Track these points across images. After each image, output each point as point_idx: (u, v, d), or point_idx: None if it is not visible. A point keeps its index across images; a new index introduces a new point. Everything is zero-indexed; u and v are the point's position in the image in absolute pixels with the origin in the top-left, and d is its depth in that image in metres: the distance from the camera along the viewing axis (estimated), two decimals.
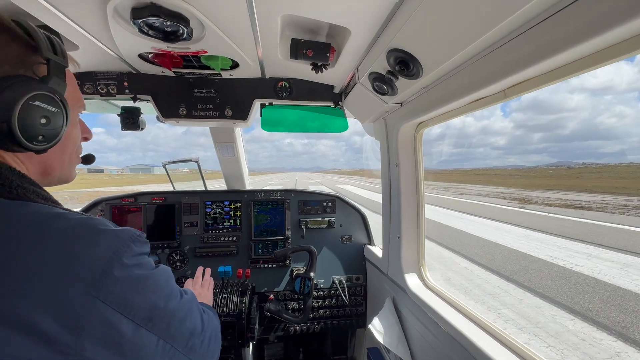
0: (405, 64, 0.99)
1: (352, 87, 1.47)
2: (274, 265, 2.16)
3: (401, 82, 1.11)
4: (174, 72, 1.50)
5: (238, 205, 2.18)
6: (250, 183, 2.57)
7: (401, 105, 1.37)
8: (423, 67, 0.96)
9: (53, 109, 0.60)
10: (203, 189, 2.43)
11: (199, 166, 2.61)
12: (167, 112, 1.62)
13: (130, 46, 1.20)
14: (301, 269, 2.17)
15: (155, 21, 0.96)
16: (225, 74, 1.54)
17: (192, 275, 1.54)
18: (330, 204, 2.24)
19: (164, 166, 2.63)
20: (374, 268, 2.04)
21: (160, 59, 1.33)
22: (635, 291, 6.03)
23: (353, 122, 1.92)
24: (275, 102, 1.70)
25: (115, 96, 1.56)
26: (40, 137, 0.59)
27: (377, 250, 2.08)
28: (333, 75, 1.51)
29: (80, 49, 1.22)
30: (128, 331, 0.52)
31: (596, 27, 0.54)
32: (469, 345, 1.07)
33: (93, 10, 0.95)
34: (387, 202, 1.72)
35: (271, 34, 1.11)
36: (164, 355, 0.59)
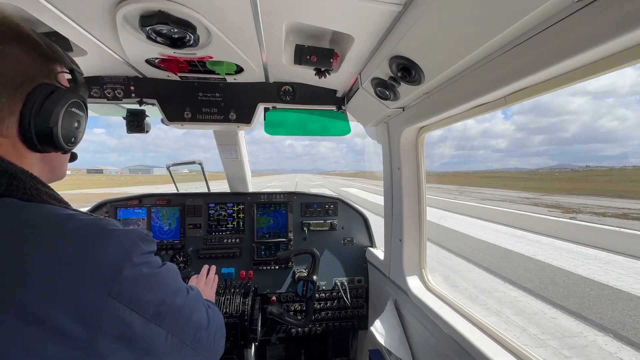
0: (407, 70, 1.00)
1: (355, 92, 1.48)
2: (277, 267, 2.18)
3: (403, 88, 1.13)
4: (179, 76, 1.52)
5: (241, 207, 2.20)
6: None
7: (403, 110, 1.38)
8: (425, 74, 0.97)
9: (82, 114, 0.69)
10: (206, 190, 2.44)
11: (202, 168, 2.63)
12: (173, 115, 1.64)
13: (138, 52, 1.22)
14: (303, 271, 2.18)
15: (163, 28, 0.98)
16: (230, 79, 1.56)
17: None
18: (332, 206, 2.26)
19: (168, 168, 2.65)
20: (376, 270, 2.05)
21: (166, 64, 1.35)
22: None
23: (354, 124, 1.94)
24: (279, 105, 1.72)
25: (121, 100, 1.59)
26: (73, 139, 0.67)
27: (378, 252, 2.09)
28: (336, 80, 1.53)
29: (89, 54, 1.25)
30: (138, 326, 0.54)
31: (596, 36, 0.55)
32: (470, 348, 1.08)
33: (103, 17, 0.97)
34: (389, 205, 1.73)
35: (276, 40, 1.13)
36: (172, 348, 0.61)
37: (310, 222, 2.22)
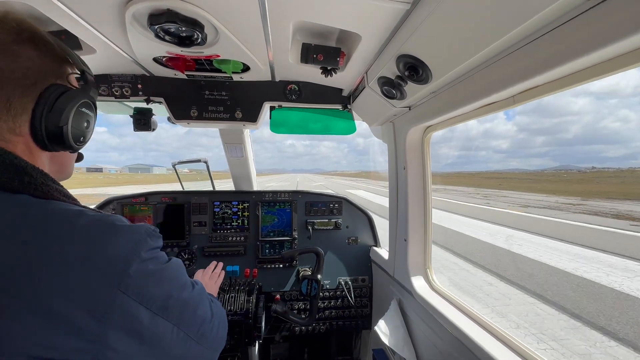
0: (414, 69, 1.00)
1: (361, 91, 1.49)
2: (281, 266, 2.19)
3: (410, 87, 1.13)
4: (186, 74, 1.53)
5: (246, 205, 2.21)
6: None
7: (409, 109, 1.38)
8: (432, 73, 0.97)
9: (91, 114, 0.70)
10: (211, 189, 2.46)
11: (207, 167, 2.64)
12: (179, 113, 1.66)
13: (146, 50, 1.23)
14: (308, 270, 2.19)
15: (171, 27, 0.99)
16: (236, 77, 1.57)
17: None
18: (337, 205, 2.26)
19: (174, 166, 2.66)
20: (380, 270, 2.05)
21: (173, 62, 1.36)
22: None
23: (358, 124, 1.93)
24: (285, 104, 1.73)
25: (129, 98, 1.60)
26: (82, 139, 0.69)
27: (383, 252, 2.09)
28: (342, 79, 1.53)
29: (98, 53, 1.26)
30: (146, 319, 0.56)
31: (607, 35, 0.55)
32: (475, 349, 1.08)
33: (112, 16, 0.98)
34: (394, 205, 1.73)
35: (282, 38, 1.14)
36: (178, 341, 0.63)
37: (315, 221, 2.23)
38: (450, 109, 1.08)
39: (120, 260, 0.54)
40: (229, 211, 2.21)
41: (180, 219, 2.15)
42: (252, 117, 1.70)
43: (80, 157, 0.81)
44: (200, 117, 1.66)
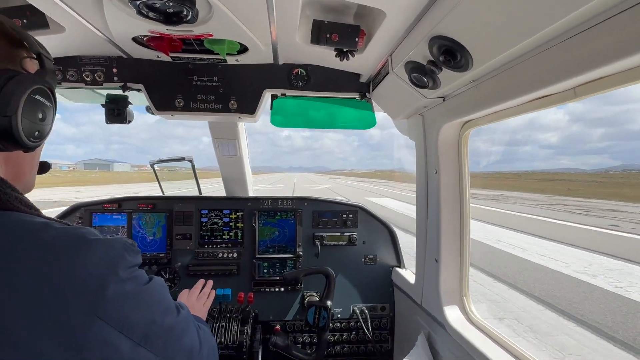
0: (451, 53, 1.01)
1: (384, 77, 1.50)
2: (282, 290, 2.21)
3: (445, 74, 1.13)
4: (171, 57, 1.57)
5: (240, 214, 2.24)
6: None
7: (444, 100, 1.39)
8: (474, 58, 0.97)
9: (48, 104, 0.70)
10: (197, 194, 2.50)
11: (192, 166, 2.69)
12: (162, 103, 1.69)
13: (125, 28, 1.27)
14: (315, 295, 2.21)
15: (157, 2, 1.02)
16: (231, 60, 1.60)
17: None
18: (351, 215, 2.28)
19: (152, 166, 2.72)
20: (404, 296, 2.06)
21: (156, 42, 1.39)
22: None
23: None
24: (289, 92, 1.75)
25: (102, 84, 1.65)
26: (37, 133, 0.68)
27: (408, 274, 2.09)
28: (360, 63, 1.54)
29: (67, 31, 1.30)
30: (126, 350, 0.59)
31: None
32: None
33: None
34: (422, 217, 1.74)
35: (289, 15, 1.16)
36: None
37: (324, 234, 2.24)
38: (495, 101, 1.09)
39: (95, 281, 0.57)
40: (220, 221, 2.23)
41: (160, 231, 2.19)
42: (249, 107, 1.73)
43: (45, 167, 0.82)
44: (186, 108, 1.69)
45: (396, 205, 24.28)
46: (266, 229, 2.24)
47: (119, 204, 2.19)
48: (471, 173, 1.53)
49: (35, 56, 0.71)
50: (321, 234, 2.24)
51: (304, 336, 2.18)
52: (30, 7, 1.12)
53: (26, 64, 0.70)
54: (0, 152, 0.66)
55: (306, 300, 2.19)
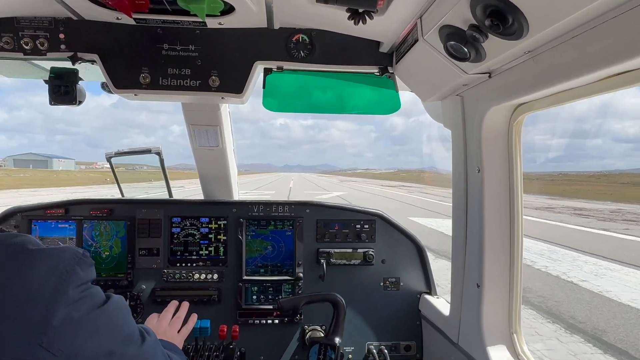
0: (500, 16, 1.00)
1: (411, 46, 1.48)
2: (277, 322, 2.19)
3: (492, 43, 1.12)
4: (135, 19, 1.54)
5: (222, 224, 2.22)
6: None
7: (490, 77, 1.37)
8: (530, 23, 0.97)
9: None
10: (167, 197, 2.48)
11: (161, 160, 2.67)
12: (122, 79, 1.67)
13: None
14: (318, 329, 2.18)
15: None
16: (213, 23, 1.57)
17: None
18: (367, 226, 2.25)
19: (109, 159, 2.70)
20: (435, 332, 2.04)
21: (116, 0, 1.36)
22: None
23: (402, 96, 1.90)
24: (287, 65, 1.72)
25: (45, 54, 1.62)
26: None
27: (441, 303, 2.08)
28: (381, 27, 1.52)
29: None
30: None
31: None
32: None
33: None
34: (460, 229, 1.72)
35: None
36: None
37: (331, 250, 2.21)
38: (556, 79, 1.08)
39: (39, 305, 0.55)
40: (196, 233, 2.21)
41: (118, 244, 2.17)
42: (235, 85, 1.71)
43: None
44: (154, 85, 1.67)
45: None
46: (256, 242, 2.22)
47: (65, 209, 2.16)
48: (527, 174, 1.52)
49: None
50: (327, 249, 2.22)
51: None
52: None
53: None
54: None
55: (308, 336, 2.17)
